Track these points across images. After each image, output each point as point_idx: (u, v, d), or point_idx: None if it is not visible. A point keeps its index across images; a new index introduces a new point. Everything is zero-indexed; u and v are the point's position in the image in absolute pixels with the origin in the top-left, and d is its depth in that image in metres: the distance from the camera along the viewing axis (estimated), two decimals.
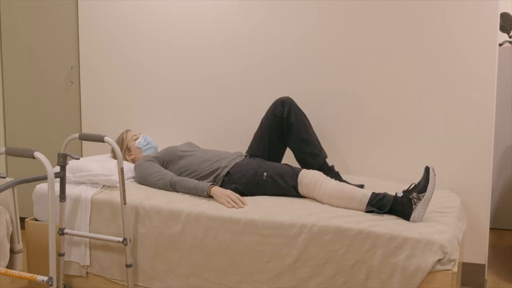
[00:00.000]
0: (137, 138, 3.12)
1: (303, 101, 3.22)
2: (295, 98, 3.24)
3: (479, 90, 2.88)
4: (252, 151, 2.94)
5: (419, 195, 2.26)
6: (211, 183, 2.59)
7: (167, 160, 2.87)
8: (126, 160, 3.12)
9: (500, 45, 4.11)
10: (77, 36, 3.70)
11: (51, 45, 3.76)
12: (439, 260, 2.07)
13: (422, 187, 2.27)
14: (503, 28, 3.99)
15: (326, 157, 2.84)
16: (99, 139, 2.44)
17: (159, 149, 3.44)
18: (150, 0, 3.51)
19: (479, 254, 2.95)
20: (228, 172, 2.68)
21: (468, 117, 2.92)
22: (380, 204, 2.36)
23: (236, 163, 2.72)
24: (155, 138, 3.61)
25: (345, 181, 2.72)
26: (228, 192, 2.54)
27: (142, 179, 2.82)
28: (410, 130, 3.04)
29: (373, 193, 2.40)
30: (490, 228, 4.16)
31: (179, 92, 3.51)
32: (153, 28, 3.52)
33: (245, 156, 2.85)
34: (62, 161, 2.47)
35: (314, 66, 3.19)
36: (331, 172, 2.80)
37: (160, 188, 2.74)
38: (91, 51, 3.68)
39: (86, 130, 3.75)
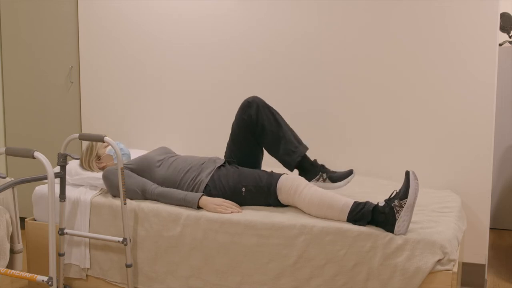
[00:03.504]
0: (108, 145, 2.87)
1: (304, 101, 3.22)
2: (294, 97, 3.24)
3: (479, 90, 2.88)
4: (230, 156, 2.71)
5: (401, 202, 2.12)
6: (201, 194, 2.49)
7: (142, 169, 2.66)
8: (91, 170, 2.87)
9: (500, 45, 4.11)
10: (77, 36, 3.70)
11: (51, 45, 3.76)
12: (439, 260, 2.07)
13: (403, 193, 2.13)
14: (503, 28, 3.99)
15: (304, 151, 2.57)
16: (99, 139, 2.43)
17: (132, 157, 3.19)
18: (150, 0, 3.50)
19: (479, 254, 2.95)
20: (207, 184, 2.55)
21: (468, 117, 2.91)
22: (360, 214, 2.22)
23: (213, 175, 2.55)
24: (154, 138, 3.60)
25: (332, 172, 2.56)
26: (219, 200, 2.46)
27: (115, 190, 2.64)
28: (410, 130, 3.04)
29: (355, 202, 2.26)
30: (490, 228, 4.16)
31: (179, 92, 3.51)
32: (153, 28, 3.52)
33: (224, 163, 2.67)
34: (62, 161, 2.47)
35: (314, 65, 3.19)
36: (314, 167, 2.58)
37: (137, 198, 2.61)
38: (91, 51, 3.68)
39: (86, 130, 3.75)
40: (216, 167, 2.60)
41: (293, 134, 2.61)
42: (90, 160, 2.87)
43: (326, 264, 2.22)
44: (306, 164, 2.58)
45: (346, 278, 2.19)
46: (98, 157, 2.87)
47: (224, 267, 2.39)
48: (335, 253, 2.21)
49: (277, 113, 2.62)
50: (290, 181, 2.40)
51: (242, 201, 2.50)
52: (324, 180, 2.53)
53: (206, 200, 2.48)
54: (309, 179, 2.56)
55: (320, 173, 2.55)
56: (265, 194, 2.44)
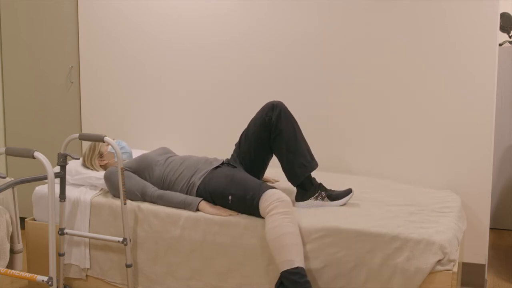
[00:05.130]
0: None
1: (303, 101, 3.22)
2: (294, 96, 3.23)
3: (479, 90, 2.88)
4: (239, 154, 2.68)
5: None
6: (201, 198, 2.49)
7: (141, 169, 2.67)
8: (93, 168, 2.89)
9: (500, 45, 4.11)
10: (77, 36, 3.70)
11: (51, 45, 3.76)
12: (439, 261, 2.07)
13: None
14: (503, 28, 3.99)
15: (315, 167, 2.54)
16: (99, 139, 2.43)
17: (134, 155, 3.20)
18: (150, 0, 3.50)
19: (479, 254, 2.95)
20: (198, 187, 2.54)
21: (468, 117, 2.91)
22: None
23: (205, 178, 2.54)
24: (154, 138, 3.60)
25: (331, 190, 2.53)
26: (217, 206, 2.47)
27: (116, 191, 2.65)
28: (410, 130, 3.04)
29: (286, 271, 2.17)
30: (490, 228, 4.16)
31: (179, 92, 3.51)
32: (153, 28, 3.52)
33: (221, 164, 2.65)
34: (62, 161, 2.47)
35: (314, 65, 3.19)
36: (314, 185, 2.54)
37: (137, 200, 2.61)
38: (91, 51, 3.68)
39: (86, 130, 3.75)
40: (210, 169, 2.58)
41: (307, 148, 2.58)
42: (92, 158, 2.88)
43: (325, 266, 2.22)
44: (307, 181, 2.54)
45: (346, 279, 2.19)
46: (101, 155, 2.89)
47: (224, 268, 2.39)
48: (334, 254, 2.20)
49: (297, 124, 2.59)
50: (269, 201, 2.31)
51: (229, 207, 2.47)
52: (322, 198, 2.50)
53: (205, 205, 2.48)
54: (308, 197, 2.51)
55: (319, 191, 2.51)
56: (249, 207, 2.39)
